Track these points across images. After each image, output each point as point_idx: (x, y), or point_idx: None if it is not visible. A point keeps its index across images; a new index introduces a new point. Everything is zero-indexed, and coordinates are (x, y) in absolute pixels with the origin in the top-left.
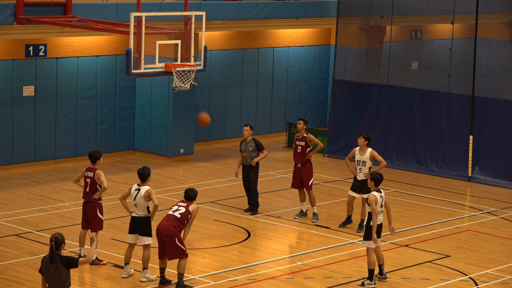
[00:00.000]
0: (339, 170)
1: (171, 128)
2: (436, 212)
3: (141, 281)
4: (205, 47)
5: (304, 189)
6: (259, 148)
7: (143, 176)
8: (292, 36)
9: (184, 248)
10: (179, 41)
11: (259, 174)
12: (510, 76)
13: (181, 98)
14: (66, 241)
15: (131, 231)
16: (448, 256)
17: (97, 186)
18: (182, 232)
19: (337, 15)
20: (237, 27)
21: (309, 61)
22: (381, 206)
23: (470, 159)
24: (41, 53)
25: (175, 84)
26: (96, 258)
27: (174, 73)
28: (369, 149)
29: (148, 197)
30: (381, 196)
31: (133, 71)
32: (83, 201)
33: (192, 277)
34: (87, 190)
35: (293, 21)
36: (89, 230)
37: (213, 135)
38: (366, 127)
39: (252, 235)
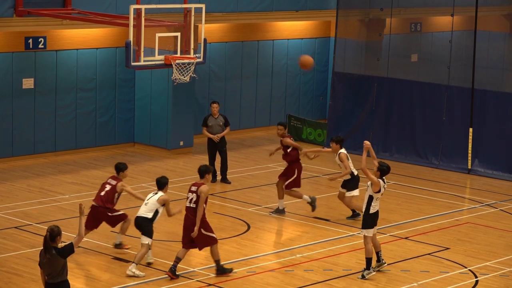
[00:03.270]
0: None
1: (171, 120)
2: (435, 204)
3: (127, 274)
4: (205, 40)
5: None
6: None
7: (161, 184)
8: (292, 29)
9: (212, 235)
10: (178, 34)
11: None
12: (509, 69)
13: (180, 90)
14: (66, 233)
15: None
16: (448, 248)
17: (115, 195)
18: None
19: (336, 7)
20: (237, 19)
21: (309, 53)
22: (382, 195)
23: (469, 151)
24: (40, 46)
25: (175, 76)
26: (121, 243)
27: (173, 66)
28: (339, 152)
29: (162, 202)
30: (383, 186)
31: (132, 63)
32: (91, 204)
33: (192, 269)
34: (102, 194)
35: (292, 14)
36: (81, 203)
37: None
38: (366, 119)
39: (252, 227)
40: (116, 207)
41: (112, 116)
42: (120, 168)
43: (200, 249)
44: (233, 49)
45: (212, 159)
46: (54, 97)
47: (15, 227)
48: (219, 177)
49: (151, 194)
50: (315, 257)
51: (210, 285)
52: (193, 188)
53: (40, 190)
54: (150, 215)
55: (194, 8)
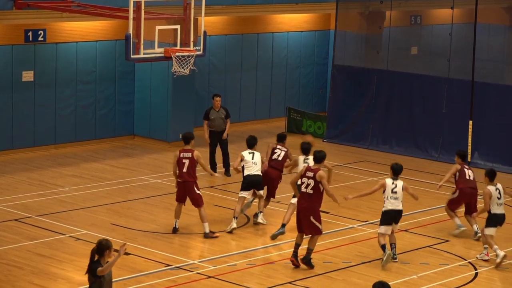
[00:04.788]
0: (338, 156)
1: (171, 113)
2: (435, 197)
3: (254, 221)
4: (205, 32)
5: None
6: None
7: (252, 144)
8: (292, 21)
9: (318, 226)
10: (178, 26)
11: None
12: (509, 61)
13: (180, 83)
14: (65, 225)
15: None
16: (448, 241)
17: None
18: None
19: (336, 0)
20: (237, 12)
21: (309, 46)
22: (394, 193)
23: (469, 144)
24: (40, 38)
25: (175, 69)
26: (210, 231)
27: (173, 58)
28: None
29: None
30: (393, 182)
31: (132, 56)
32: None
33: (192, 261)
34: (184, 170)
35: (292, 6)
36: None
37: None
38: (366, 112)
39: (252, 219)
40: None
41: (112, 109)
42: (190, 137)
43: (306, 234)
44: (233, 41)
45: (213, 152)
46: (54, 90)
47: (15, 220)
48: (220, 170)
49: (249, 155)
50: (315, 250)
51: (209, 277)
52: (309, 174)
53: (40, 183)
54: (260, 172)
55: (194, 1)
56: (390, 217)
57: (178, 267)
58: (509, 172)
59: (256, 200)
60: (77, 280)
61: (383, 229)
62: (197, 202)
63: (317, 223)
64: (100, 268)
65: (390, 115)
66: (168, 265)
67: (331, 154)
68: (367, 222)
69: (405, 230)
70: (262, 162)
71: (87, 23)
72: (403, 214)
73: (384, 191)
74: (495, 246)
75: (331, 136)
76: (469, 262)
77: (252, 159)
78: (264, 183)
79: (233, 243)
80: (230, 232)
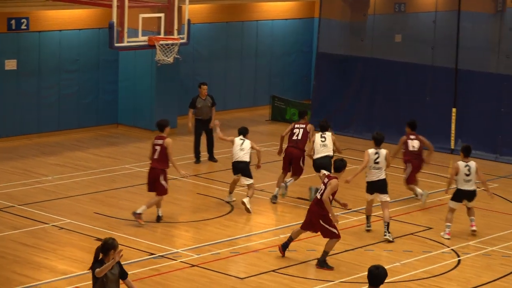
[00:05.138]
0: None
1: (155, 101)
2: (418, 184)
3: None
4: (189, 20)
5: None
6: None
7: (245, 132)
8: (276, 9)
9: (332, 230)
10: (162, 14)
11: None
12: (493, 49)
13: (164, 71)
14: (49, 215)
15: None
16: (431, 228)
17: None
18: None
19: None
20: (221, 0)
21: (293, 34)
22: (377, 163)
23: (453, 131)
24: (23, 27)
25: (159, 57)
26: (139, 214)
27: (157, 47)
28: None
29: (252, 145)
30: (375, 153)
31: (116, 44)
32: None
33: (176, 250)
34: (155, 157)
35: None
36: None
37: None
38: (350, 100)
39: (235, 208)
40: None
41: (96, 98)
42: (162, 124)
43: (324, 237)
44: (218, 30)
45: (198, 140)
46: (37, 79)
47: None
48: (204, 158)
49: (239, 141)
50: (298, 238)
51: (193, 265)
52: (326, 180)
53: (23, 172)
54: (248, 159)
55: None
56: (373, 188)
57: (162, 256)
58: (492, 159)
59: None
60: (61, 269)
61: (369, 197)
62: (159, 191)
63: (330, 227)
64: (97, 270)
65: (374, 103)
66: (152, 254)
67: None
68: (350, 210)
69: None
70: (257, 150)
71: (71, 11)
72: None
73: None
74: (448, 224)
75: (316, 124)
76: (452, 249)
77: (241, 145)
78: (287, 162)
79: (216, 231)
80: (228, 202)
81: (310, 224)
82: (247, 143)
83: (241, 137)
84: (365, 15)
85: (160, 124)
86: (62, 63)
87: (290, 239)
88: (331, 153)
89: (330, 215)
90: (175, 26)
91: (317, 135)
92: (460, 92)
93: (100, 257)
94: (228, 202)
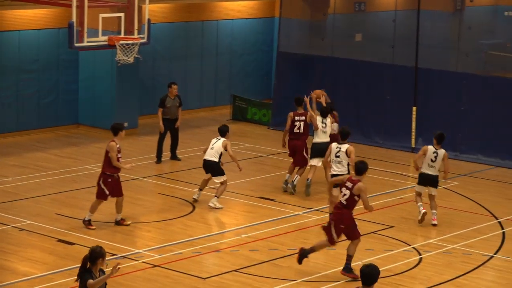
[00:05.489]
0: None
1: (115, 101)
2: (380, 183)
3: (209, 205)
4: (149, 20)
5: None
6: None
7: (223, 132)
8: (236, 9)
9: (357, 230)
10: (122, 14)
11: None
12: (453, 47)
13: (125, 71)
14: (9, 216)
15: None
16: (392, 226)
17: (108, 156)
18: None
19: None
20: None
21: (254, 33)
22: (337, 157)
23: (413, 130)
24: None
25: (119, 57)
26: (122, 218)
27: (117, 46)
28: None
29: (225, 145)
30: (337, 147)
31: (76, 44)
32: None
33: (137, 250)
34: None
35: None
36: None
37: (157, 109)
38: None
39: (197, 208)
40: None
41: (56, 98)
42: (116, 128)
43: (349, 238)
44: (178, 29)
45: (163, 139)
46: None
47: None
48: (165, 158)
49: (214, 140)
50: (261, 237)
51: (155, 266)
52: (348, 184)
53: None
54: (217, 159)
55: None
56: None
57: (123, 257)
58: (452, 157)
59: None
60: (22, 270)
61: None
62: (96, 194)
63: (356, 228)
64: (90, 281)
65: (335, 102)
66: (113, 255)
67: (275, 141)
68: (312, 209)
69: None
70: (229, 153)
71: (30, 11)
72: None
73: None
74: (420, 204)
75: (277, 124)
76: (413, 247)
77: (213, 144)
78: (293, 153)
79: (178, 231)
80: (194, 200)
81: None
82: (219, 143)
83: (218, 136)
84: (325, 14)
85: (114, 127)
86: (21, 63)
87: (312, 250)
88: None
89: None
90: (135, 26)
91: (318, 120)
92: (420, 90)
93: (88, 265)
94: (193, 199)
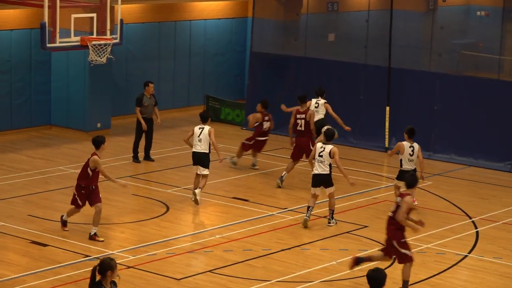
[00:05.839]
0: None
1: (88, 102)
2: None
3: (192, 198)
4: (121, 20)
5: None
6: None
7: (204, 117)
8: (209, 9)
9: (406, 253)
10: (94, 15)
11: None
12: (426, 47)
13: (97, 72)
14: None
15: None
16: (366, 226)
17: (88, 170)
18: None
19: None
20: (154, 0)
21: (227, 33)
22: (320, 156)
23: (387, 130)
24: None
25: (91, 58)
26: (95, 234)
27: (90, 47)
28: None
29: (210, 132)
30: (321, 146)
31: (48, 45)
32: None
33: (111, 252)
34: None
35: None
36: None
37: (130, 109)
38: (284, 99)
39: (171, 208)
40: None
41: (28, 99)
42: (100, 141)
43: (399, 263)
44: (150, 30)
45: (139, 139)
46: None
47: None
48: (141, 158)
49: (198, 130)
50: (235, 238)
51: (129, 267)
52: (398, 199)
53: None
54: (207, 150)
55: None
56: (317, 181)
57: (97, 258)
58: (426, 157)
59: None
60: None
61: (312, 190)
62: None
63: (403, 250)
64: None
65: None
66: (87, 256)
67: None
68: (286, 209)
69: (324, 217)
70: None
71: (1, 11)
72: (320, 201)
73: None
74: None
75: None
76: None
77: (199, 135)
78: (297, 151)
79: (152, 232)
80: (195, 200)
81: (388, 248)
82: (205, 132)
83: (200, 125)
84: (298, 15)
85: (96, 141)
86: None
87: (369, 259)
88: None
89: (413, 229)
90: (108, 26)
91: (313, 103)
92: (393, 90)
93: (98, 278)
94: (194, 200)
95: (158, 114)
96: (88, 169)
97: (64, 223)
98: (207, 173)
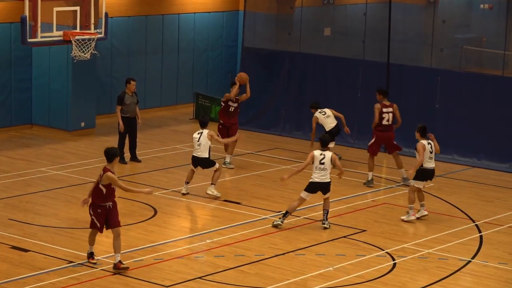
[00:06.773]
0: (250, 143)
1: (71, 100)
2: (351, 184)
3: (206, 192)
4: (106, 14)
5: None
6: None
7: (204, 123)
8: (199, 2)
9: None
10: (78, 8)
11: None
12: (426, 42)
13: (81, 68)
14: None
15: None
16: (364, 230)
17: (100, 186)
18: None
19: None
20: None
21: (217, 28)
22: (322, 164)
23: None
24: None
25: (75, 53)
26: (119, 261)
27: (73, 42)
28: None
29: (210, 136)
30: (321, 154)
31: (29, 40)
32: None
33: (96, 258)
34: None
35: None
36: None
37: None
38: (278, 96)
39: (159, 212)
40: None
41: (8, 97)
42: (113, 153)
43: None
44: (137, 23)
45: (123, 140)
46: None
47: None
48: (127, 158)
49: (197, 136)
50: (226, 242)
51: (115, 273)
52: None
53: None
54: (207, 154)
55: None
56: (316, 188)
57: (81, 264)
58: None
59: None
60: None
61: (304, 194)
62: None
63: None
64: None
65: (304, 100)
66: (71, 262)
67: (242, 141)
68: (279, 212)
69: (320, 220)
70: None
71: None
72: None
73: (313, 163)
74: (411, 205)
75: (242, 123)
76: (386, 252)
77: (198, 140)
78: (381, 146)
79: (139, 237)
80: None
81: None
82: (204, 136)
83: (198, 131)
84: (292, 8)
85: (110, 153)
86: None
87: None
88: (335, 121)
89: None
90: (92, 20)
91: (318, 114)
92: (393, 87)
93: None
94: (182, 194)
95: (139, 113)
96: (100, 185)
97: (91, 255)
98: (216, 167)
